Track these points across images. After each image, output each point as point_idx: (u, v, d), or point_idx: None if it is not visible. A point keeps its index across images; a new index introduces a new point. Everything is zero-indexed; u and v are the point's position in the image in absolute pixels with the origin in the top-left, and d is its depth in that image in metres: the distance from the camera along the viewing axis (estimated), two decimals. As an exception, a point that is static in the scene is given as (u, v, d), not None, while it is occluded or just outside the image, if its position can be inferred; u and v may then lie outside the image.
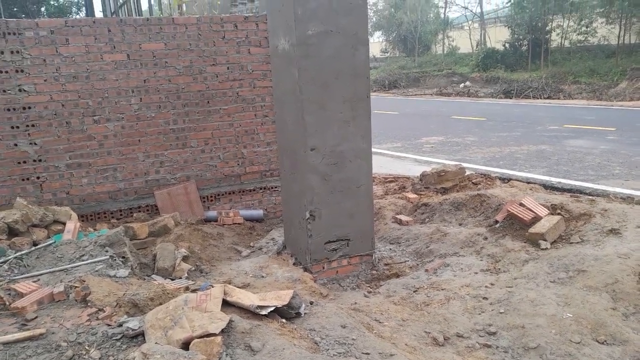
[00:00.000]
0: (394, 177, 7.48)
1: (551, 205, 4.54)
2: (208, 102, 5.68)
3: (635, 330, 2.90)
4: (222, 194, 5.96)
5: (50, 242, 3.87)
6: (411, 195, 5.92)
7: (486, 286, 3.59)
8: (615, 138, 10.08)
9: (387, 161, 9.26)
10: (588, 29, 23.36)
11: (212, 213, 5.79)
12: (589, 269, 3.44)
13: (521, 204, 4.51)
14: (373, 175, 4.84)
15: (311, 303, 3.14)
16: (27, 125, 5.06)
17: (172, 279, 3.98)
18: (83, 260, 3.52)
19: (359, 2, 3.85)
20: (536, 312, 3.09)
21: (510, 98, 20.16)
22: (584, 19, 23.30)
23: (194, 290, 3.29)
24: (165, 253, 4.23)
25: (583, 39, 23.66)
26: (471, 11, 36.01)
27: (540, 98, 19.24)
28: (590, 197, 5.21)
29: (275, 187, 6.16)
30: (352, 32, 3.87)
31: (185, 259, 4.34)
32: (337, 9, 3.77)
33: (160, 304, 2.73)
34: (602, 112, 14.65)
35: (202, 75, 5.59)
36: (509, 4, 27.52)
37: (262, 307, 2.68)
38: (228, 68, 5.69)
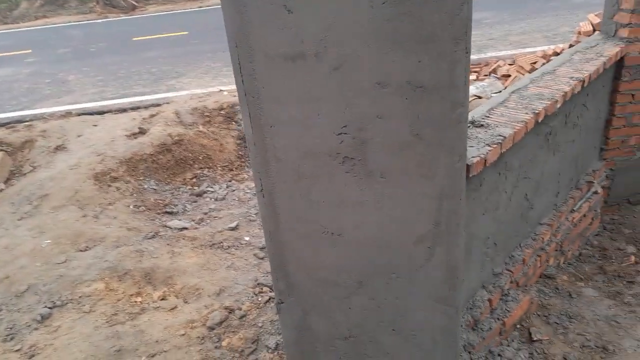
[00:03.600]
0: None
1: (-11, 144, 4.16)
2: None
3: (107, 225, 3.23)
4: None
5: None
6: None
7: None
8: (35, 60, 9.95)
9: None
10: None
11: None
12: (50, 191, 3.47)
13: (-47, 155, 3.91)
14: None
15: None
16: None
17: None
18: None
19: None
20: (15, 255, 2.93)
21: None
22: None
23: None
24: None
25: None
26: None
27: None
28: (28, 124, 5.08)
29: None
30: None
31: None
32: None
33: None
34: (12, 36, 13.99)
35: None
36: None
37: None
38: None
